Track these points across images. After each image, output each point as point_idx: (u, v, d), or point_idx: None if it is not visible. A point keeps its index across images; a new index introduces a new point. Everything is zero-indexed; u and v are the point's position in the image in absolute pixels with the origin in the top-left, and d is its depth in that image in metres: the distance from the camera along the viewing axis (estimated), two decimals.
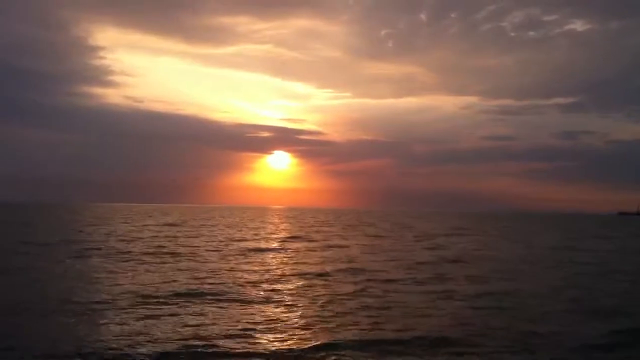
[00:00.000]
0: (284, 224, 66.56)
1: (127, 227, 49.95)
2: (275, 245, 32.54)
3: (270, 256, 25.69)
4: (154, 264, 20.91)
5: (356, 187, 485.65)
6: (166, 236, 37.26)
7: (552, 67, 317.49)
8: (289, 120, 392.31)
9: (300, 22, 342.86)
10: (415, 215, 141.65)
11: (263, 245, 32.27)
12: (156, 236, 37.15)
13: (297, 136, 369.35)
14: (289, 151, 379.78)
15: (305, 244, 33.92)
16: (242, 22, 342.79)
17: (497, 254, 29.54)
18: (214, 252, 26.34)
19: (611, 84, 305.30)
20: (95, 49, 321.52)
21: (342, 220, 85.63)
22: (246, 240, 35.96)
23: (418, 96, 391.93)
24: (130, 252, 25.35)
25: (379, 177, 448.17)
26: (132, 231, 42.53)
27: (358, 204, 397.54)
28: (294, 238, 38.63)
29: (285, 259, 24.55)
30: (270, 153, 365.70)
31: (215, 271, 19.17)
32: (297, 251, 28.63)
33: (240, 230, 48.75)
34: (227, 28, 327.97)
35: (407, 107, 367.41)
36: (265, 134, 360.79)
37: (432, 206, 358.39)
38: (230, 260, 23.13)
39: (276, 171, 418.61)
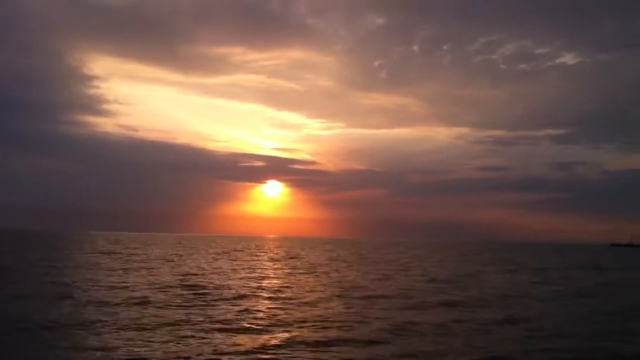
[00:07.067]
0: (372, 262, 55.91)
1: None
2: None
3: None
4: None
5: (350, 216, 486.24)
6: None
7: (543, 99, 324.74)
8: (282, 149, 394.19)
9: (293, 53, 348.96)
10: (425, 246, 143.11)
11: None
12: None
13: (290, 165, 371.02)
14: (282, 180, 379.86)
15: None
16: (237, 53, 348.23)
17: None
18: None
19: (602, 116, 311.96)
20: (89, 77, 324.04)
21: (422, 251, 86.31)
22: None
23: (411, 127, 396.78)
24: None
25: (373, 206, 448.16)
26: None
27: (352, 234, 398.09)
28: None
29: None
30: (264, 182, 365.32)
31: None
32: None
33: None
34: (221, 58, 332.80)
35: (401, 138, 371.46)
36: (259, 164, 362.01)
37: (426, 236, 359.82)
38: None
39: (270, 200, 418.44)
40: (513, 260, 70.90)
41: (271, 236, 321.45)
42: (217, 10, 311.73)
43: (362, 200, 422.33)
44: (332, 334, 15.55)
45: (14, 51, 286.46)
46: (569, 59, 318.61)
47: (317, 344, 14.28)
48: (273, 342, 14.36)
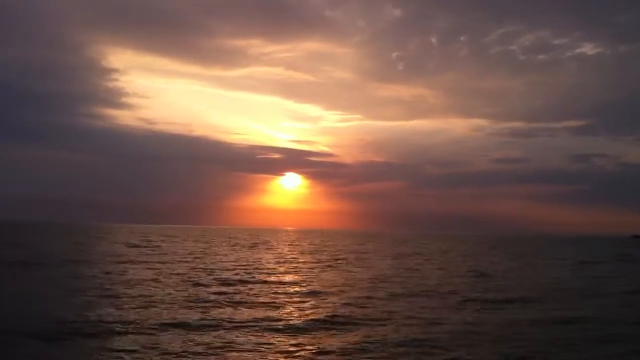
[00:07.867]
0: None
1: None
2: None
3: None
4: None
5: (368, 209, 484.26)
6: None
7: (562, 90, 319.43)
8: (299, 142, 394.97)
9: (311, 45, 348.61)
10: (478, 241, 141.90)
11: None
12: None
13: (308, 158, 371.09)
14: (300, 173, 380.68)
15: None
16: (254, 45, 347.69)
17: None
18: None
19: (621, 107, 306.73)
20: (108, 70, 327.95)
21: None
22: None
23: (429, 118, 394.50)
24: None
25: (391, 199, 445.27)
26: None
27: (370, 226, 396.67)
28: None
29: None
30: (282, 175, 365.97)
31: None
32: None
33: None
34: (239, 51, 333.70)
35: (418, 129, 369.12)
36: (277, 156, 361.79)
37: (444, 229, 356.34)
38: None
39: (288, 193, 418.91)
40: (541, 253, 69.55)
41: (289, 228, 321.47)
42: (234, 3, 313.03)
43: (380, 192, 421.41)
44: (383, 333, 14.79)
45: (34, 44, 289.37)
46: (588, 49, 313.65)
47: (365, 344, 13.57)
48: (322, 344, 13.64)
